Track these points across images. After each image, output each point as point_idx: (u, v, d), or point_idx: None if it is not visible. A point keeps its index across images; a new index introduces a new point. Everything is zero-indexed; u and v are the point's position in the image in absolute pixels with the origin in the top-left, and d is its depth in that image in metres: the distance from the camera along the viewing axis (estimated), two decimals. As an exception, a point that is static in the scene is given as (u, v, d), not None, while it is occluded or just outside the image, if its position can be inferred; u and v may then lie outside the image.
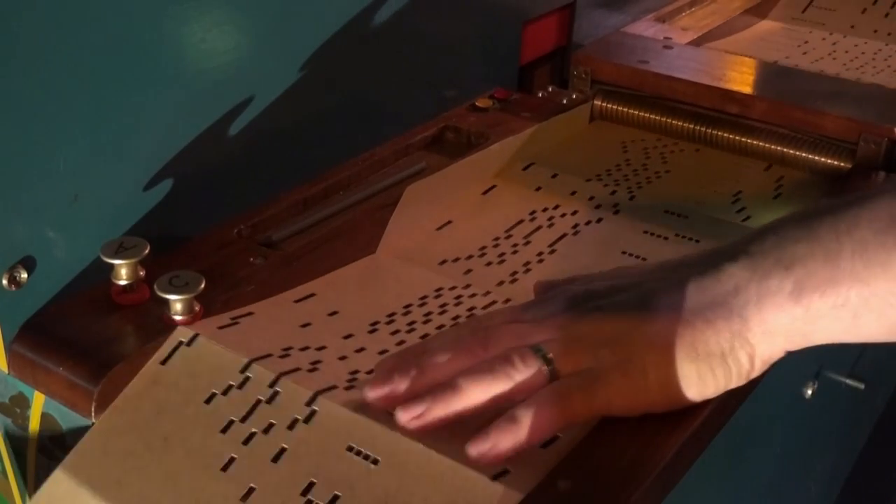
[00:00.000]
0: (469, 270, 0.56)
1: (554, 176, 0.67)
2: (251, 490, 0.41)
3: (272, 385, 0.45)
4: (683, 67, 0.76)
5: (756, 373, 0.44)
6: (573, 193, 0.65)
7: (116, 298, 0.50)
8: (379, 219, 0.58)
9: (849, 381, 0.80)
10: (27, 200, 0.48)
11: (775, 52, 0.91)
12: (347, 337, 0.49)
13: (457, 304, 0.53)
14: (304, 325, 0.50)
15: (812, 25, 0.97)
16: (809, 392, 0.72)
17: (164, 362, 0.47)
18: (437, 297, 0.53)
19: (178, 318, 0.48)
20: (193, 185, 0.57)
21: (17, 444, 0.54)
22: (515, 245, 0.59)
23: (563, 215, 0.63)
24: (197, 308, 0.49)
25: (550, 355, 0.42)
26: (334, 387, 0.45)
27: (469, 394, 0.41)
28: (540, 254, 0.58)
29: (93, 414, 0.45)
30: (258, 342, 0.48)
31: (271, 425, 0.43)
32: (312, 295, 0.53)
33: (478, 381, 0.41)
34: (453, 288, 0.54)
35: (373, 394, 0.43)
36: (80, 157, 0.50)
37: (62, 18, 0.47)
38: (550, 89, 0.79)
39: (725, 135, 0.73)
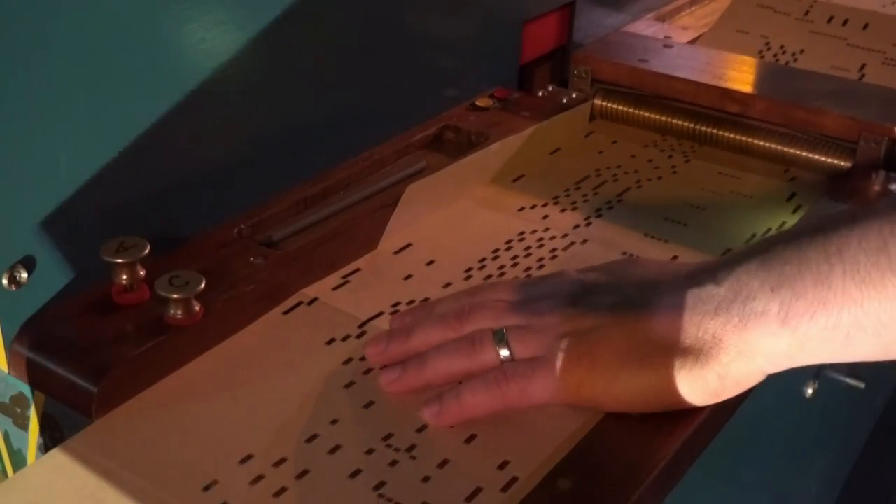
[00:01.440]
0: (547, 217, 0.62)
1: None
2: (371, 402, 0.46)
3: None
4: (683, 66, 0.76)
5: (728, 393, 0.44)
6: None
7: (116, 298, 0.50)
8: (379, 219, 0.59)
9: (849, 381, 0.80)
10: (27, 200, 0.48)
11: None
12: (447, 286, 0.55)
13: (539, 247, 0.59)
14: (407, 278, 0.55)
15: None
16: (809, 392, 0.72)
17: (286, 313, 0.52)
18: (521, 240, 0.59)
19: (178, 317, 0.48)
20: (193, 185, 0.57)
21: (17, 444, 0.54)
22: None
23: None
24: (197, 308, 0.49)
25: (509, 340, 0.46)
26: None
27: (433, 368, 0.46)
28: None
29: (93, 414, 0.45)
30: (369, 301, 0.53)
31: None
32: (409, 245, 0.58)
33: (442, 357, 0.46)
34: (534, 231, 0.60)
35: (369, 350, 0.49)
36: (80, 157, 0.50)
37: (62, 18, 0.47)
38: (550, 88, 0.79)
39: (725, 134, 0.73)
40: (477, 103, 0.74)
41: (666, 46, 0.80)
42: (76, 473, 0.41)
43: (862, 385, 0.80)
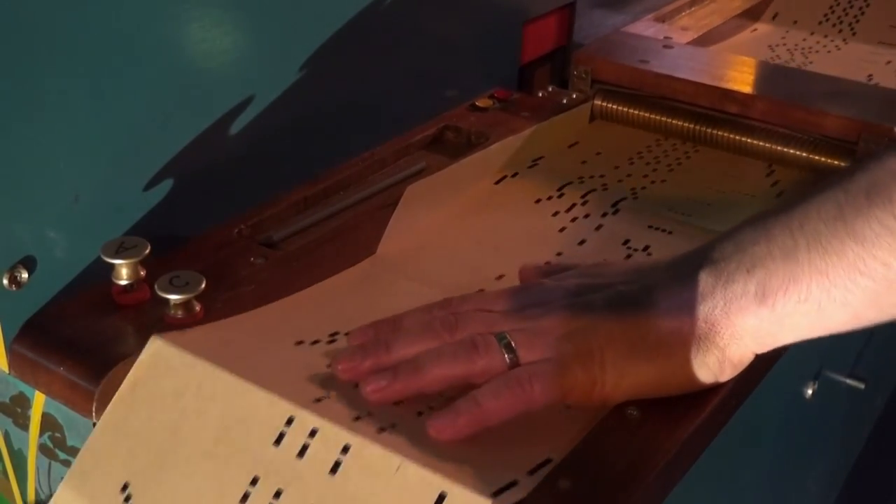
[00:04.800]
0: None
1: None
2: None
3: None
4: (683, 67, 0.76)
5: (726, 376, 0.45)
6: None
7: (116, 298, 0.50)
8: (379, 219, 0.58)
9: (849, 381, 0.80)
10: (27, 200, 0.48)
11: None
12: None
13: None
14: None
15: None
16: (809, 392, 0.73)
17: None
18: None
19: (178, 317, 0.48)
20: (193, 185, 0.57)
21: (17, 444, 0.54)
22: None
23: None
24: (197, 308, 0.49)
25: (513, 344, 0.44)
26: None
27: (430, 373, 0.43)
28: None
29: (93, 414, 0.45)
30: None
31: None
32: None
33: (440, 361, 0.43)
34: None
35: (340, 366, 0.45)
36: (80, 157, 0.50)
37: (62, 18, 0.47)
38: (550, 89, 0.79)
39: (725, 134, 0.73)
40: (477, 104, 0.74)
41: (666, 47, 0.80)
42: None
43: (862, 385, 0.80)
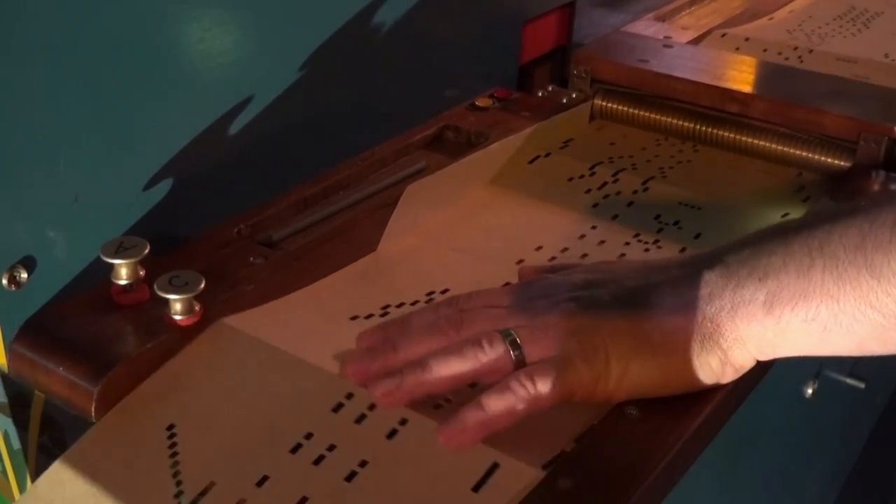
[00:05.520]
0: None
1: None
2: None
3: None
4: (683, 66, 0.76)
5: (726, 378, 0.45)
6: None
7: (116, 298, 0.50)
8: (379, 218, 0.58)
9: (849, 381, 0.80)
10: (27, 200, 0.48)
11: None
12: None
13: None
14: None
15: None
16: (809, 392, 0.72)
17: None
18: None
19: (177, 317, 0.48)
20: (193, 185, 0.57)
21: (17, 444, 0.54)
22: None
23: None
24: (197, 308, 0.49)
25: (519, 340, 0.44)
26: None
27: (438, 373, 0.44)
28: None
29: (93, 414, 0.45)
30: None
31: None
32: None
33: (447, 361, 0.44)
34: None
35: (349, 369, 0.46)
36: (80, 157, 0.50)
37: (62, 18, 0.47)
38: (550, 88, 0.79)
39: (725, 134, 0.72)
40: (477, 103, 0.74)
41: (666, 46, 0.80)
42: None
43: (862, 385, 0.80)
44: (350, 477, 0.41)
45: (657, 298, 0.45)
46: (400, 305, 0.52)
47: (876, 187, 0.66)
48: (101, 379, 0.45)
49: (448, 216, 0.62)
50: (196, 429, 0.44)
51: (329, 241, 0.57)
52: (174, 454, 0.42)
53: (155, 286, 0.48)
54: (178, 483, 0.41)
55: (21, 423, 0.53)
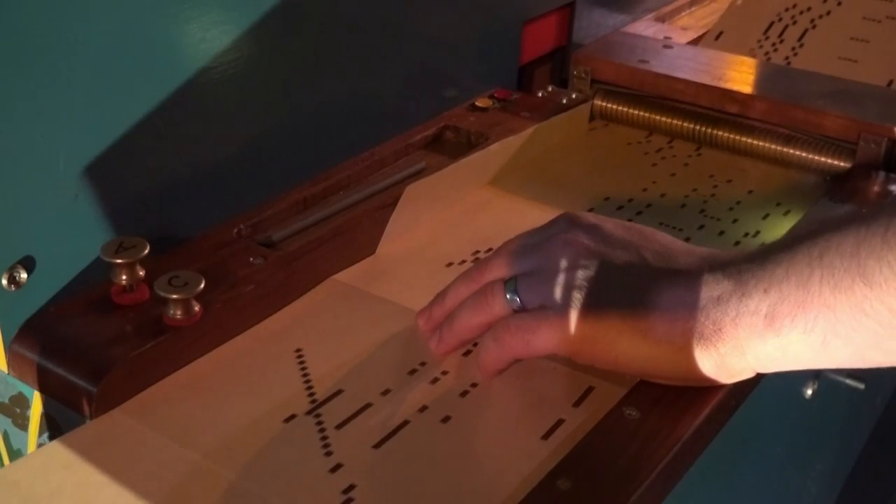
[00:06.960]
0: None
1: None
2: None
3: None
4: (683, 67, 0.76)
5: (721, 381, 0.45)
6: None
7: (116, 298, 0.50)
8: (379, 219, 0.58)
9: (849, 381, 0.80)
10: (27, 200, 0.48)
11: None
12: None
13: None
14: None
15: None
16: (809, 392, 0.72)
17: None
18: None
19: (177, 318, 0.48)
20: (193, 185, 0.57)
21: (17, 445, 0.54)
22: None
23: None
24: (196, 308, 0.49)
25: (518, 289, 0.46)
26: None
27: (459, 324, 0.48)
28: None
29: (93, 414, 0.45)
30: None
31: None
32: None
33: (464, 313, 0.48)
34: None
35: (419, 320, 0.51)
36: (80, 157, 0.50)
37: (62, 18, 0.47)
38: (550, 89, 0.79)
39: (725, 135, 0.73)
40: (477, 104, 0.74)
41: (666, 47, 0.80)
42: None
43: (862, 385, 0.80)
44: (464, 394, 0.47)
45: (667, 283, 0.45)
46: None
47: (876, 188, 0.66)
48: (101, 379, 0.45)
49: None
50: (322, 353, 0.49)
51: (329, 242, 0.57)
52: (304, 370, 0.48)
53: (154, 286, 0.48)
54: (310, 388, 0.47)
55: (20, 424, 0.53)
